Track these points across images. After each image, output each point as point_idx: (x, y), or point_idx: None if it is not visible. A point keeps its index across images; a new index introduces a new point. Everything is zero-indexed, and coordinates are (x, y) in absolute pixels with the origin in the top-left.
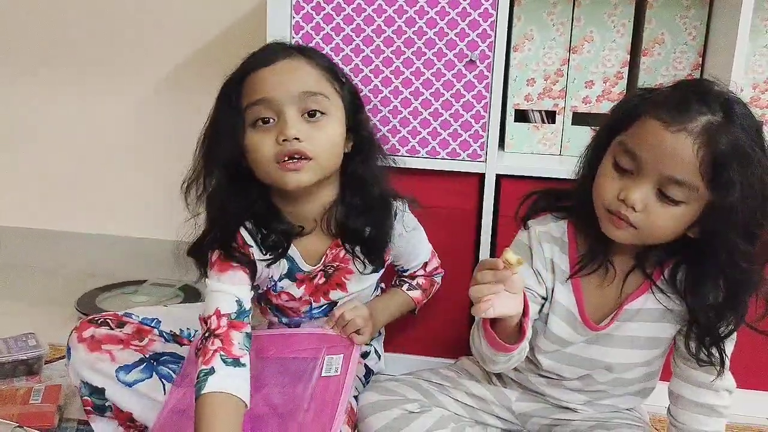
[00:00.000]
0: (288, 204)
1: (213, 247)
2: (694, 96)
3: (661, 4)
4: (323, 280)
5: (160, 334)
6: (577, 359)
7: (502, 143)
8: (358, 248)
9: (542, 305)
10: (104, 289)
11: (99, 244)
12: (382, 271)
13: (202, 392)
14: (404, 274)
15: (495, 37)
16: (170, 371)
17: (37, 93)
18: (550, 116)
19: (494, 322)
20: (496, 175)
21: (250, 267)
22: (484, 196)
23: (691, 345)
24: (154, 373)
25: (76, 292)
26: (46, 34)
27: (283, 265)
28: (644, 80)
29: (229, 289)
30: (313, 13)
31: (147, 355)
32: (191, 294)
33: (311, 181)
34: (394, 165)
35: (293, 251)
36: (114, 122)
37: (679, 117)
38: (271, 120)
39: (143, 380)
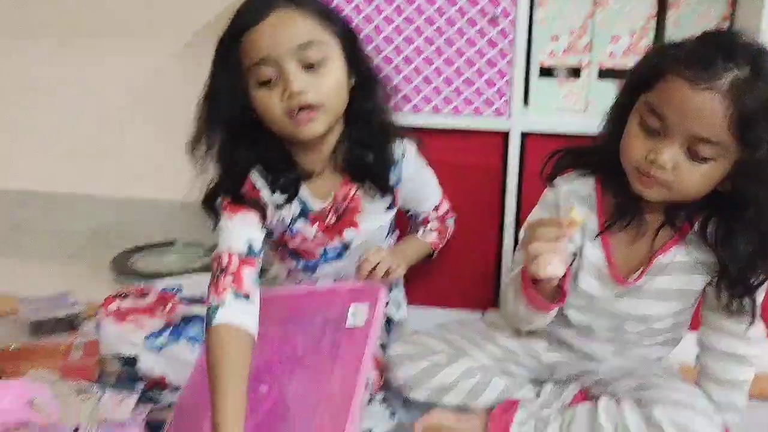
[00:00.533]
0: (299, 149)
1: (223, 194)
2: (719, 51)
3: None
4: (335, 219)
5: (182, 300)
6: (607, 313)
7: (526, 100)
8: (368, 182)
9: (571, 263)
10: (136, 250)
11: (127, 207)
12: (394, 211)
13: (213, 324)
14: (417, 220)
15: None
16: (197, 332)
17: (59, 55)
18: (575, 72)
19: (535, 281)
20: (521, 132)
21: (260, 210)
22: (509, 154)
23: (722, 296)
24: (181, 336)
25: (109, 253)
26: None
27: (294, 207)
28: (671, 33)
29: (240, 230)
30: None
31: (174, 320)
32: None
33: (325, 128)
34: (395, 97)
35: (304, 192)
36: (138, 84)
37: (705, 75)
38: (274, 78)
39: (171, 344)
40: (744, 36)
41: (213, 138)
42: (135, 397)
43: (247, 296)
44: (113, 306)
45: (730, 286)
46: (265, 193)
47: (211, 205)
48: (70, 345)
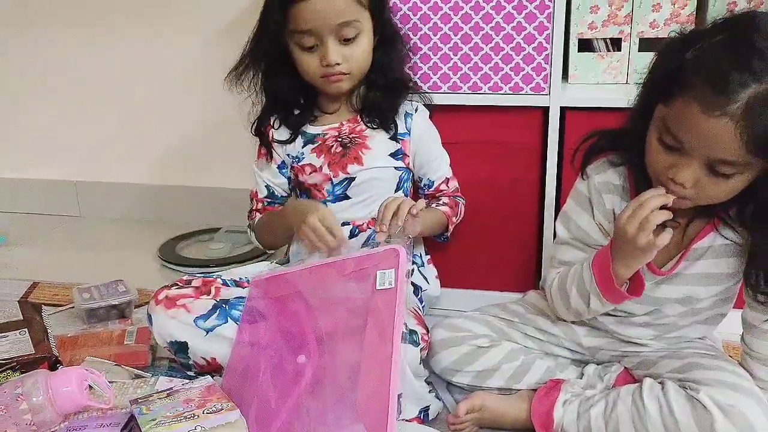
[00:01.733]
0: (323, 93)
1: (269, 115)
2: (733, 66)
3: None
4: (340, 149)
5: (224, 283)
6: (649, 299)
7: (566, 75)
8: (375, 120)
9: None
10: (182, 238)
11: (174, 194)
12: (400, 161)
13: (257, 221)
14: (429, 190)
15: None
16: (240, 313)
17: (97, 41)
18: (616, 44)
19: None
20: (561, 107)
21: (269, 149)
22: (549, 130)
23: (752, 281)
24: (228, 318)
25: (156, 240)
26: None
27: (299, 142)
28: (714, 1)
29: (260, 174)
30: None
31: (218, 300)
32: None
33: (350, 87)
34: (412, 56)
35: (314, 129)
36: (181, 70)
37: (717, 99)
38: (315, 46)
39: (220, 325)
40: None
41: (255, 69)
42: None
43: None
44: (162, 295)
45: (761, 271)
46: (275, 132)
47: (258, 130)
48: (123, 332)
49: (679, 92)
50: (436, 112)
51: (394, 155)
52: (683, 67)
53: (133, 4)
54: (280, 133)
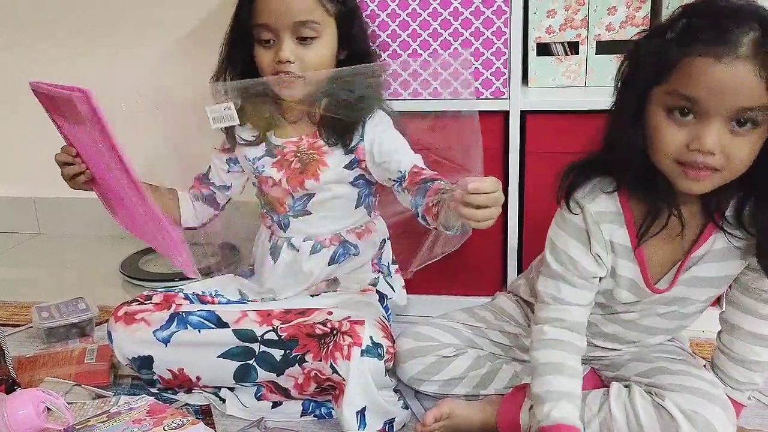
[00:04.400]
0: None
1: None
2: (725, 19)
3: None
4: (299, 165)
5: (186, 297)
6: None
7: (525, 79)
8: (333, 136)
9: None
10: (145, 252)
11: None
12: (356, 172)
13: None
14: (405, 183)
15: None
16: (200, 319)
17: (58, 54)
18: (573, 47)
19: None
20: (521, 111)
21: (232, 142)
22: (510, 134)
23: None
24: (187, 324)
25: (119, 256)
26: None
27: (261, 148)
28: (669, 2)
29: (213, 156)
30: None
31: (173, 310)
32: (228, 250)
33: (302, 95)
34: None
35: (271, 134)
36: (138, 86)
37: (726, 46)
38: (272, 41)
39: (178, 331)
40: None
41: (233, 75)
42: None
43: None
44: (121, 312)
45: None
46: (238, 128)
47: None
48: (84, 351)
49: (678, 63)
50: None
51: (349, 166)
52: (669, 44)
53: (94, 20)
54: (246, 133)
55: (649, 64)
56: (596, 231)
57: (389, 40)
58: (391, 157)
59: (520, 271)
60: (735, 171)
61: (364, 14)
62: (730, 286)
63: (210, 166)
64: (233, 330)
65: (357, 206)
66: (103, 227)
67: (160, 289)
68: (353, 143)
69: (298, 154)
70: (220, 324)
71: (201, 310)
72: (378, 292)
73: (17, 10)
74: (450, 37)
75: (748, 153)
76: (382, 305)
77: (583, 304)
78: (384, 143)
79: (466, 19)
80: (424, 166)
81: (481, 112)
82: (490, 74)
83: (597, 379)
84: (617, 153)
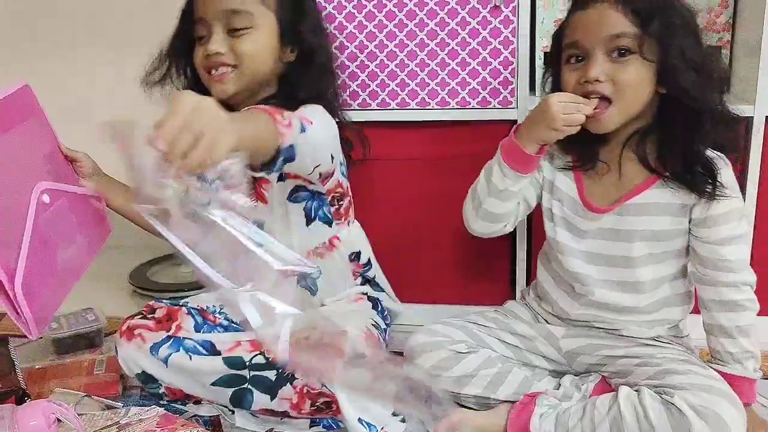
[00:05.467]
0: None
1: None
2: None
3: None
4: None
5: (189, 311)
6: (596, 257)
7: (533, 88)
8: None
9: (539, 196)
10: (154, 262)
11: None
12: (288, 182)
13: None
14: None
15: None
16: (195, 344)
17: (41, 68)
18: None
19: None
20: None
21: None
22: None
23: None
24: (180, 347)
25: (128, 266)
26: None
27: None
28: None
29: None
30: None
31: (171, 333)
32: None
33: (236, 90)
34: (342, 76)
35: None
36: (123, 95)
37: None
38: (205, 37)
39: (172, 354)
40: None
41: (169, 75)
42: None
43: None
44: (125, 326)
45: (681, 158)
46: None
47: None
48: (93, 362)
49: (567, 24)
50: (402, 128)
51: (282, 178)
52: (567, 15)
53: (76, 32)
54: None
55: (557, 34)
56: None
57: (397, 50)
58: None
59: (528, 281)
60: (628, 99)
61: (367, 28)
62: (692, 264)
63: None
64: (223, 358)
65: (309, 223)
66: (111, 237)
67: (165, 302)
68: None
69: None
70: (213, 351)
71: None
72: (370, 298)
73: None
74: (458, 47)
75: (634, 78)
76: (377, 311)
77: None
78: (312, 153)
79: (474, 29)
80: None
81: (489, 121)
82: (498, 83)
83: (608, 388)
84: None
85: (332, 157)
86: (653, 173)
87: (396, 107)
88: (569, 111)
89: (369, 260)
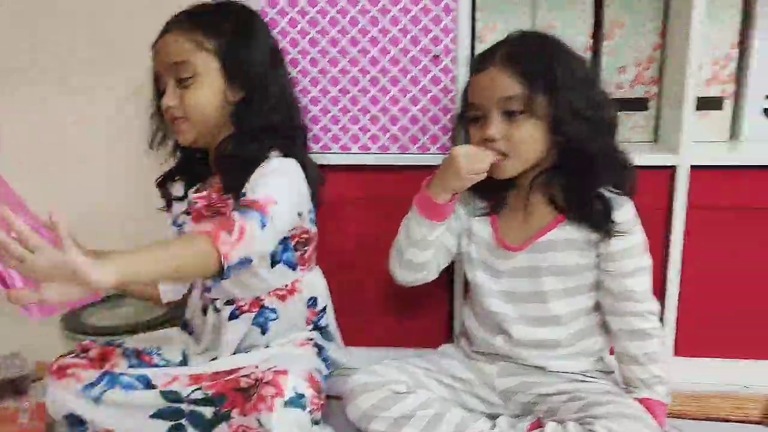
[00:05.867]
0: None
1: (171, 175)
2: (491, 47)
3: None
4: (210, 215)
5: (124, 352)
6: (512, 295)
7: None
8: (226, 180)
9: (459, 244)
10: (88, 305)
11: None
12: None
13: None
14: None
15: (458, 30)
16: (131, 379)
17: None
18: None
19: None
20: None
21: (168, 203)
22: None
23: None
24: (116, 383)
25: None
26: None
27: (184, 204)
28: (607, 62)
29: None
30: (278, 17)
31: (107, 370)
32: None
33: (194, 137)
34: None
35: (190, 193)
36: (97, 124)
37: (485, 62)
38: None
39: (107, 390)
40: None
41: (166, 133)
42: None
43: None
44: (55, 366)
45: (576, 189)
46: (170, 186)
47: (162, 184)
48: (17, 410)
49: (467, 87)
50: (343, 172)
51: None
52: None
53: (50, 60)
54: (177, 189)
55: (464, 94)
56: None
57: (340, 94)
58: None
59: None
60: (522, 154)
61: (310, 74)
62: (601, 296)
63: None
64: (160, 391)
65: (273, 265)
66: None
67: (100, 341)
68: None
69: (210, 208)
70: (150, 386)
71: (134, 372)
72: (316, 344)
73: None
74: (399, 94)
75: (526, 136)
76: (320, 358)
77: (443, 240)
78: (257, 180)
79: (414, 77)
80: (254, 197)
81: (428, 167)
82: (438, 129)
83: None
84: None
85: (299, 214)
86: (560, 212)
87: (338, 151)
88: (473, 162)
89: (324, 308)
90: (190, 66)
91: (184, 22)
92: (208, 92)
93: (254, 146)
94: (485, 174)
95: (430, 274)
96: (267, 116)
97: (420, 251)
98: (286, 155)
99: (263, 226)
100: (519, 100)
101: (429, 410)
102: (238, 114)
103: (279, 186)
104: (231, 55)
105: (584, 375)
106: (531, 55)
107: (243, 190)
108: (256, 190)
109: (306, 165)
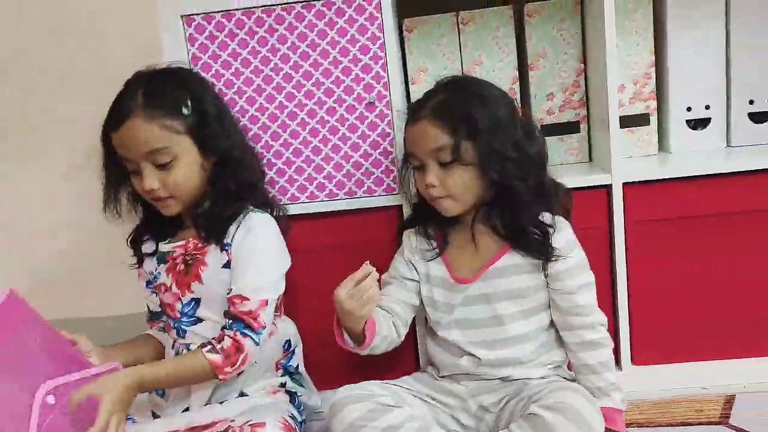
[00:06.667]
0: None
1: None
2: (420, 99)
3: (538, 20)
4: (183, 267)
5: None
6: (468, 322)
7: None
8: (204, 232)
9: (419, 291)
10: None
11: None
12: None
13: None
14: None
15: (388, 76)
16: None
17: None
18: None
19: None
20: (413, 204)
21: (140, 261)
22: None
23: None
24: None
25: None
26: None
27: (154, 261)
28: (535, 92)
29: (142, 292)
30: (213, 80)
31: None
32: None
33: (180, 208)
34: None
35: (165, 246)
36: (30, 207)
37: (414, 113)
38: (137, 171)
39: None
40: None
41: (118, 197)
42: None
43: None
44: None
45: (510, 217)
46: (141, 243)
47: (134, 241)
48: None
49: (405, 135)
50: (295, 220)
51: (227, 265)
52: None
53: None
54: (147, 246)
55: (404, 146)
56: (407, 240)
57: (282, 149)
58: (235, 273)
59: None
60: (459, 196)
61: (251, 131)
62: (553, 312)
63: (147, 305)
64: None
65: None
66: None
67: None
68: (227, 240)
69: (186, 257)
70: None
71: None
72: (287, 391)
73: None
74: (339, 142)
75: (459, 181)
76: (294, 404)
77: (403, 300)
78: (237, 258)
79: (352, 124)
80: (250, 297)
81: (376, 209)
82: (381, 172)
83: None
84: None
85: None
86: (505, 241)
87: (287, 202)
88: (357, 297)
89: (294, 349)
90: (169, 151)
91: (145, 106)
92: (188, 170)
93: (231, 204)
94: (378, 297)
95: (402, 335)
96: (239, 173)
97: (380, 342)
98: (260, 206)
99: (257, 343)
100: (447, 150)
101: (414, 424)
102: (214, 177)
103: (268, 271)
104: (200, 128)
105: (544, 379)
106: (454, 105)
107: (227, 249)
108: (246, 280)
109: (279, 218)
